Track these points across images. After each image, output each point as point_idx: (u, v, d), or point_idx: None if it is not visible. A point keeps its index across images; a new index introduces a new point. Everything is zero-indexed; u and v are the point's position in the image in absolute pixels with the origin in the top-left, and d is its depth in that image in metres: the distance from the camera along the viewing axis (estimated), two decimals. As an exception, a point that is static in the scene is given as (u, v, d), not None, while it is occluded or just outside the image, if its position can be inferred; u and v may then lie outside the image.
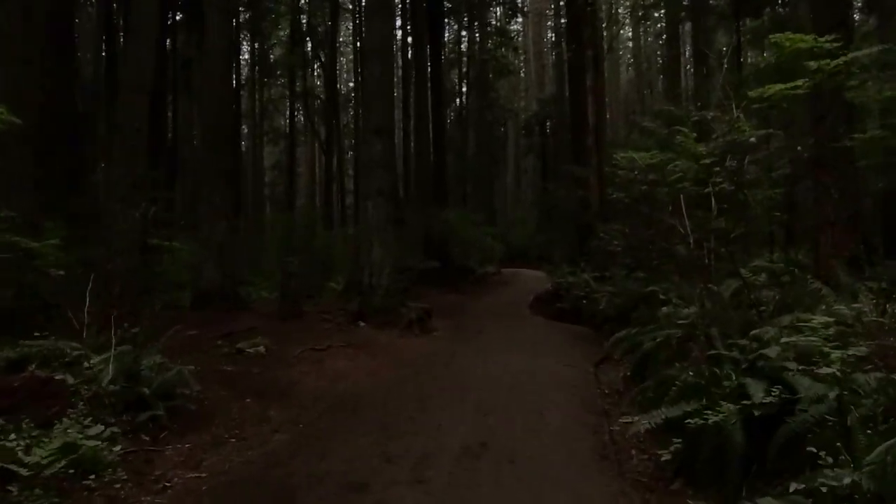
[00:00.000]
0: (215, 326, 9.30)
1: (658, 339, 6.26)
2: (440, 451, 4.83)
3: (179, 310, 10.29)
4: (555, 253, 24.11)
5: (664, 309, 7.37)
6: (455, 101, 35.48)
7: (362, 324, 10.86)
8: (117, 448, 4.41)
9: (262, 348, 8.02)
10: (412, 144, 26.59)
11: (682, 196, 6.67)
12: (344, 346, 9.01)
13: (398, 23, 26.08)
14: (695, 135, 5.74)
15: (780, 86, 5.67)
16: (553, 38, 39.86)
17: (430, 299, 15.94)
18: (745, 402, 3.98)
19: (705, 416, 3.99)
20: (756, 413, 3.88)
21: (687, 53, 28.78)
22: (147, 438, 4.85)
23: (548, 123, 35.21)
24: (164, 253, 8.72)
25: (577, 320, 12.78)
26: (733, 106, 6.34)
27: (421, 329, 10.80)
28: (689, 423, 4.09)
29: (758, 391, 4.01)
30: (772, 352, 4.54)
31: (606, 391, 7.21)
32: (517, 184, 43.41)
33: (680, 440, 4.36)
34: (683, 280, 8.74)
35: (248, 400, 6.05)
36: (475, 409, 6.15)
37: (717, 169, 5.87)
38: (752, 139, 6.34)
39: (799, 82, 5.60)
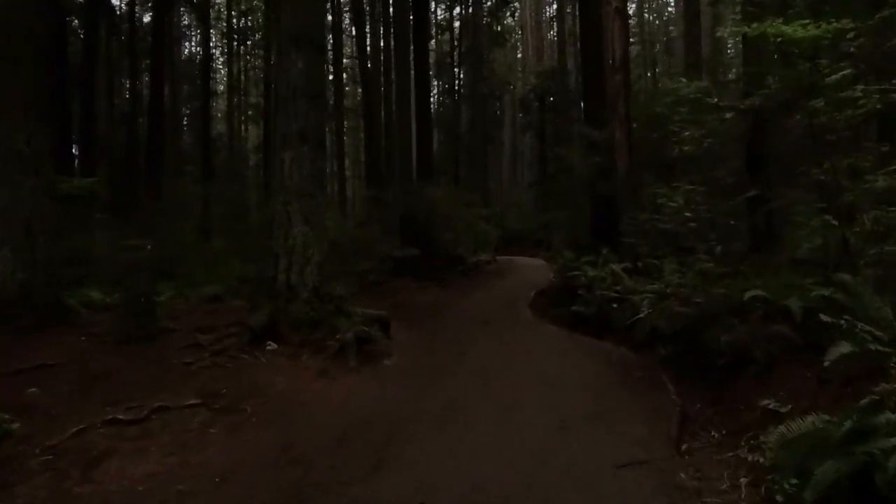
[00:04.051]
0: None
1: None
2: None
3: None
4: (556, 237, 19.56)
5: None
6: (446, 75, 30.58)
7: (272, 346, 6.26)
8: None
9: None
10: (393, 116, 21.89)
11: None
12: (192, 406, 4.40)
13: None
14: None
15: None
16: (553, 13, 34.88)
17: (403, 296, 11.39)
18: None
19: None
20: None
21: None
22: None
23: (546, 102, 30.35)
24: None
25: (602, 332, 8.16)
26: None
27: (363, 355, 6.17)
28: None
29: None
30: None
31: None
32: (513, 166, 38.53)
33: None
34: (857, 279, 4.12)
35: None
36: None
37: None
38: None
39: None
